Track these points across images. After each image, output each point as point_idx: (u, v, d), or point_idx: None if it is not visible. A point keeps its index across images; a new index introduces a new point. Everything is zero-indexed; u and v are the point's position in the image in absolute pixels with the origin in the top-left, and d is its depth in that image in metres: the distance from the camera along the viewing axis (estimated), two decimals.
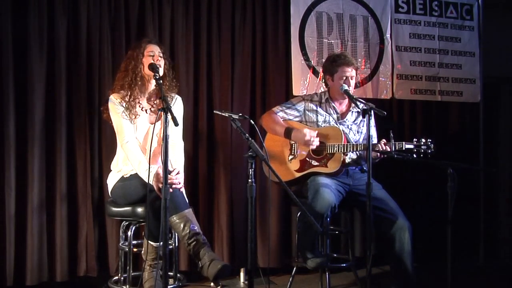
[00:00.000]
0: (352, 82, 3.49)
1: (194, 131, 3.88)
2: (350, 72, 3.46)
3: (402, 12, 4.39)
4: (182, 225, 2.92)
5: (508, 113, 4.67)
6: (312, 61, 4.12)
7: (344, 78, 3.45)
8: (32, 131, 3.47)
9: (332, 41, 4.20)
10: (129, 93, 3.17)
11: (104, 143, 3.64)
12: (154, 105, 3.26)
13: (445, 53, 4.49)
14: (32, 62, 3.46)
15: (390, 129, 3.29)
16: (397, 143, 3.30)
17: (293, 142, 3.50)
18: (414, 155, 3.29)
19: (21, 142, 3.46)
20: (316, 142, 3.38)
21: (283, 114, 3.57)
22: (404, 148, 3.31)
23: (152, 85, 3.26)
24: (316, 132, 3.41)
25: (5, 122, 3.41)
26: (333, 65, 3.51)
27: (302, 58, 4.11)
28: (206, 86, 3.91)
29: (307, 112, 3.56)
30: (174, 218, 2.94)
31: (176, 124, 2.60)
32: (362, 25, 4.28)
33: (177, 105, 3.34)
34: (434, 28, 4.47)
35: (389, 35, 4.34)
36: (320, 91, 3.73)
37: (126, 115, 3.16)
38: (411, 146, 3.31)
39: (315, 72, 4.11)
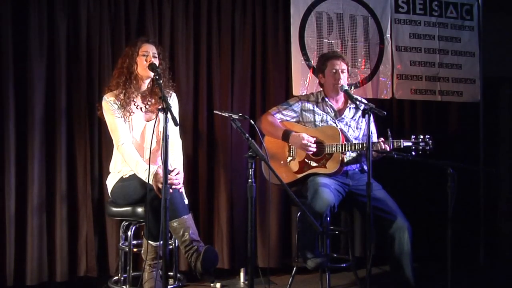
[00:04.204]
0: (344, 76, 3.49)
1: (194, 131, 3.87)
2: (339, 64, 3.48)
3: (402, 12, 4.39)
4: (181, 231, 2.94)
5: (508, 113, 4.67)
6: (312, 61, 4.11)
7: (334, 71, 3.47)
8: (32, 131, 3.46)
9: (332, 41, 4.20)
10: (123, 92, 3.17)
11: (104, 143, 3.64)
12: (149, 103, 3.26)
13: (445, 53, 4.48)
14: (32, 62, 3.46)
15: (388, 128, 3.29)
16: (395, 141, 3.29)
17: (291, 144, 3.50)
18: (413, 153, 3.29)
19: (21, 142, 3.46)
20: (312, 148, 3.38)
21: (280, 116, 3.57)
22: (402, 146, 3.30)
23: (146, 84, 3.26)
24: (314, 138, 3.40)
25: (5, 122, 3.41)
26: (322, 62, 3.58)
27: (302, 58, 4.10)
28: (206, 86, 3.90)
29: (304, 112, 3.56)
30: (175, 223, 2.95)
31: (176, 124, 2.60)
32: (362, 25, 4.27)
33: (173, 102, 3.33)
34: (434, 28, 4.46)
35: (389, 35, 4.34)
36: (316, 91, 3.73)
37: (119, 113, 3.16)
38: (410, 144, 3.31)
39: (315, 72, 4.10)
